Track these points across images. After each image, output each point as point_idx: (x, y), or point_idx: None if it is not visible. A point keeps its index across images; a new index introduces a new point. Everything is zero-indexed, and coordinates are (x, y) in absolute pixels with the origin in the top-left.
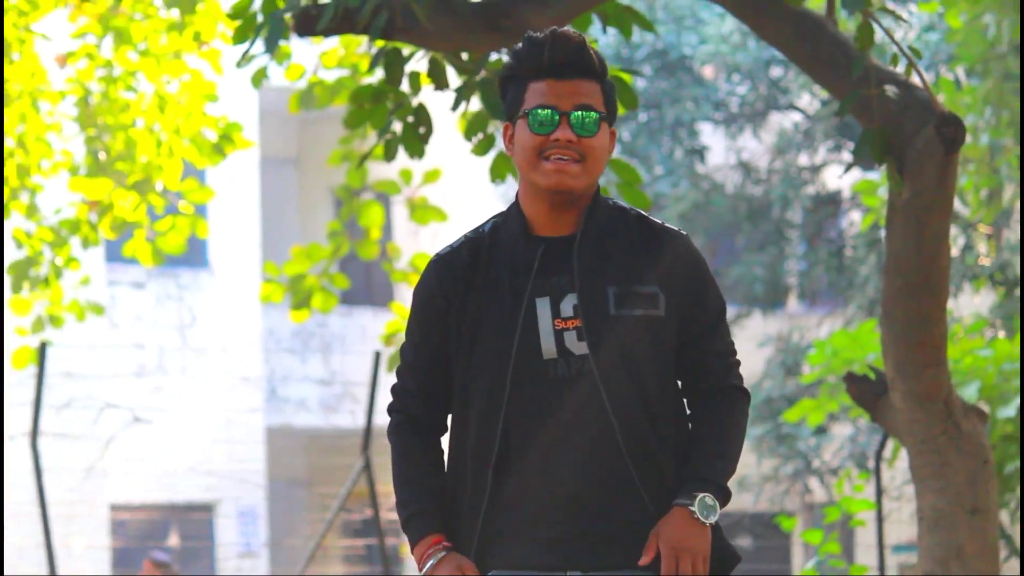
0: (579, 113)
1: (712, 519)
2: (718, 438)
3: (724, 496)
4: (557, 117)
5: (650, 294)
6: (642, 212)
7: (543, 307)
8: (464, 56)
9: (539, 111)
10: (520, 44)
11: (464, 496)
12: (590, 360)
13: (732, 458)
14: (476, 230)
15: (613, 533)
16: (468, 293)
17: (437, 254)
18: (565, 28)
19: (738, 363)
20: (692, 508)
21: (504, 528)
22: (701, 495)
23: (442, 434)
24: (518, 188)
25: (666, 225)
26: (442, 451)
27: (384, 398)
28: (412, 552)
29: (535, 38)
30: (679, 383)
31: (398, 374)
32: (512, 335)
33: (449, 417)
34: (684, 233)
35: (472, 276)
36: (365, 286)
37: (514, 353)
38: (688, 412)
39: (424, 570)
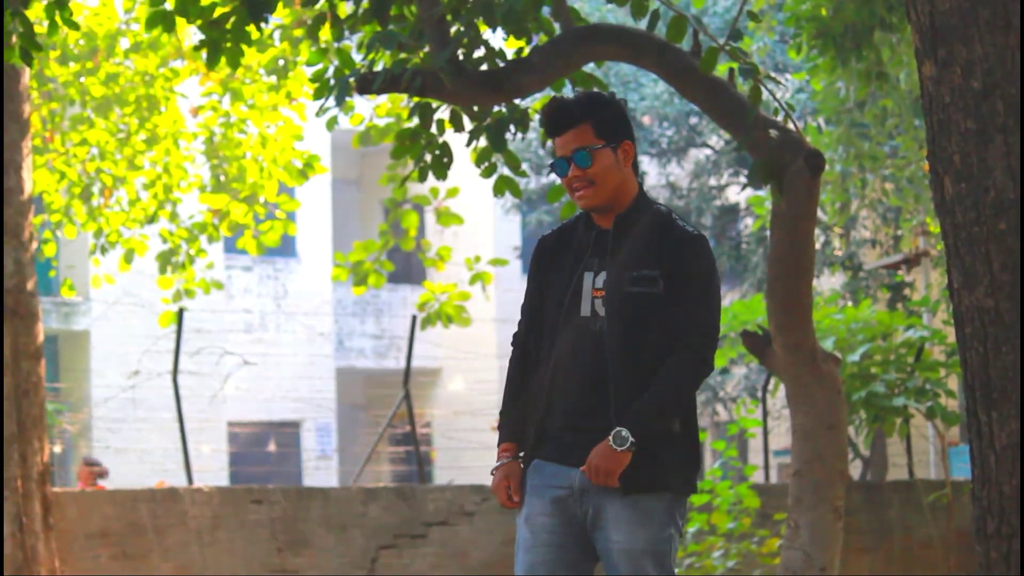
0: (576, 155)
1: (623, 447)
2: (657, 388)
3: (642, 433)
4: (565, 163)
5: (653, 277)
6: (674, 216)
7: (588, 279)
8: (475, 108)
9: (555, 163)
10: (540, 112)
11: (534, 402)
12: (605, 320)
13: (663, 403)
14: (567, 220)
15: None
16: (553, 262)
17: (542, 236)
18: (560, 95)
19: (709, 336)
20: (609, 438)
21: (548, 427)
22: (619, 428)
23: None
24: None
25: (686, 227)
26: (529, 369)
27: (417, 349)
28: (497, 449)
29: (542, 108)
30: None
31: (519, 320)
32: (565, 296)
33: None
34: (697, 234)
35: (556, 251)
36: (405, 269)
37: (565, 307)
38: None
39: (495, 466)
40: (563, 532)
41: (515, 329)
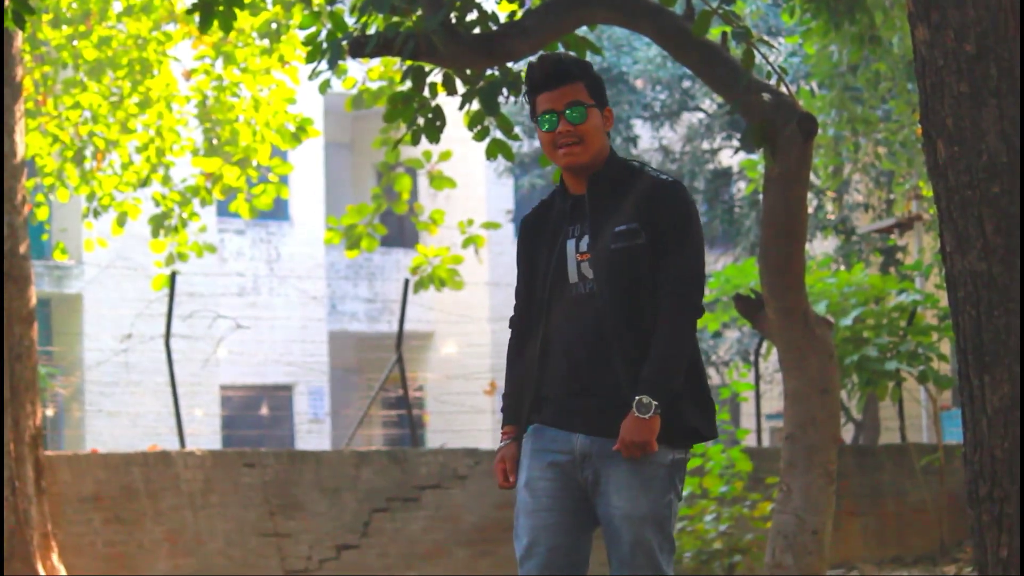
0: (570, 109)
1: (649, 414)
2: (661, 346)
3: (662, 393)
4: (556, 116)
5: (634, 230)
6: (646, 167)
7: (571, 245)
8: (468, 71)
9: (544, 116)
10: (526, 70)
11: (531, 370)
12: (593, 282)
13: (671, 360)
14: (546, 196)
15: (604, 408)
16: (536, 238)
17: (524, 216)
18: (553, 52)
19: (695, 281)
20: (633, 409)
21: (546, 394)
22: (639, 397)
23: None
24: None
25: (661, 177)
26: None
27: (410, 312)
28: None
29: (531, 63)
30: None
31: (514, 305)
32: (550, 265)
33: None
34: (671, 180)
35: (538, 227)
36: (398, 232)
37: (551, 278)
38: None
39: (498, 448)
40: (564, 496)
41: (511, 311)
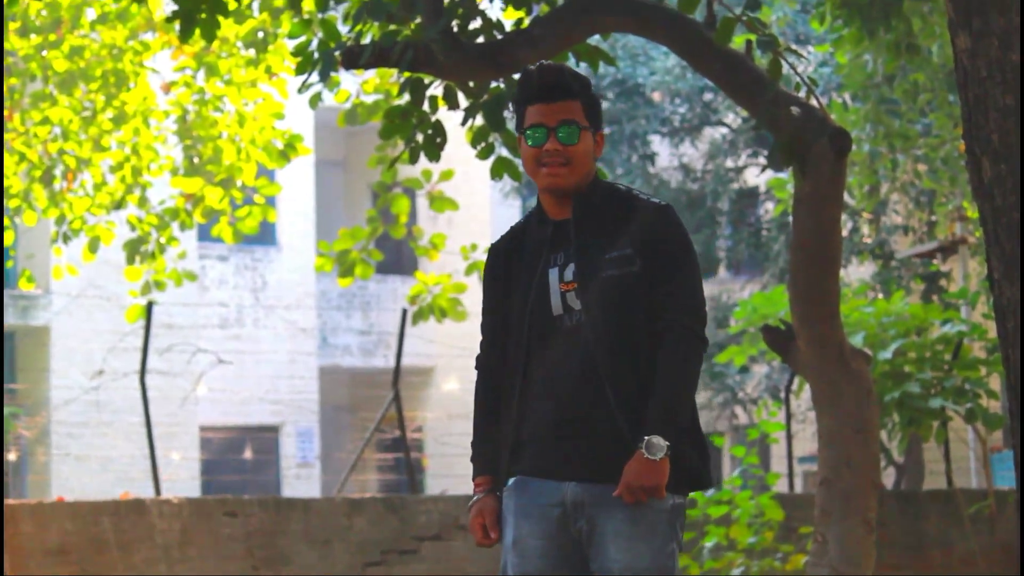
0: (563, 128)
1: (660, 455)
2: (667, 380)
3: (671, 432)
4: (545, 132)
5: (627, 256)
6: (633, 190)
7: (553, 274)
8: (471, 84)
9: (532, 129)
10: (520, 75)
11: (507, 417)
12: (582, 314)
13: (678, 397)
14: (518, 222)
15: (598, 451)
16: (509, 268)
17: (492, 244)
18: (549, 62)
19: (699, 311)
20: (643, 450)
21: (527, 440)
22: (650, 438)
23: None
24: None
25: (649, 199)
26: (501, 388)
27: (409, 346)
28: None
29: (528, 70)
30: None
31: (480, 341)
32: (528, 297)
33: None
34: (664, 204)
35: (510, 255)
36: (395, 259)
37: (529, 310)
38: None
39: (470, 503)
40: (556, 556)
41: (480, 343)
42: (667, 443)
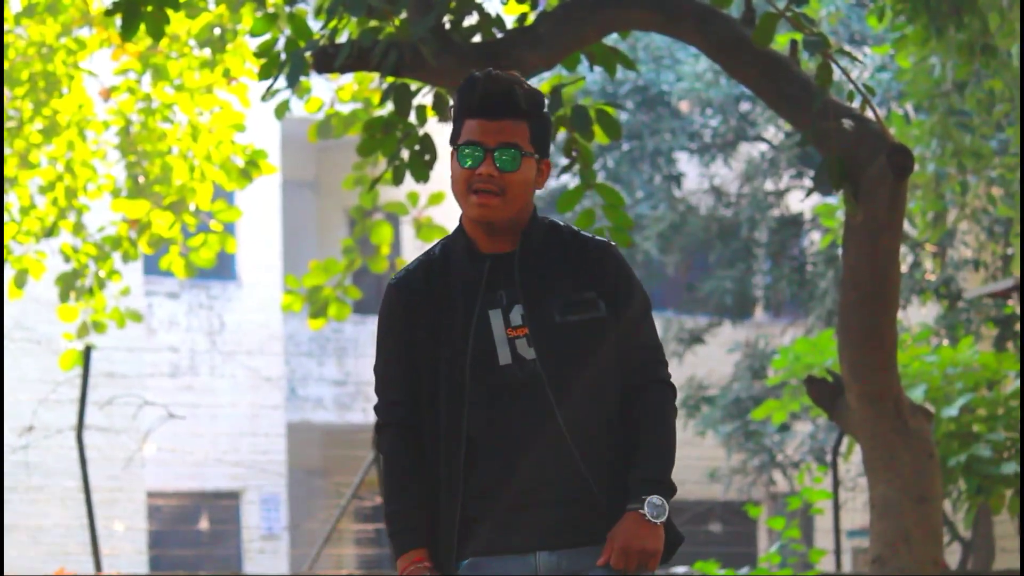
0: (501, 151)
1: (662, 518)
2: (656, 437)
3: (670, 492)
4: (482, 153)
5: (590, 299)
6: (574, 228)
7: (496, 318)
8: None
9: (467, 147)
10: (464, 80)
11: (444, 490)
12: (538, 364)
13: (670, 454)
14: (428, 252)
15: (570, 515)
16: (426, 310)
17: (393, 278)
18: (499, 71)
19: (663, 360)
20: (642, 511)
21: (478, 515)
22: (649, 497)
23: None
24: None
25: (596, 238)
26: (423, 452)
27: None
28: (395, 563)
29: (473, 77)
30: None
31: (379, 392)
32: (466, 345)
33: None
34: (611, 243)
35: (428, 294)
36: (376, 296)
37: (469, 362)
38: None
39: None
40: None
41: (382, 402)
42: (666, 505)
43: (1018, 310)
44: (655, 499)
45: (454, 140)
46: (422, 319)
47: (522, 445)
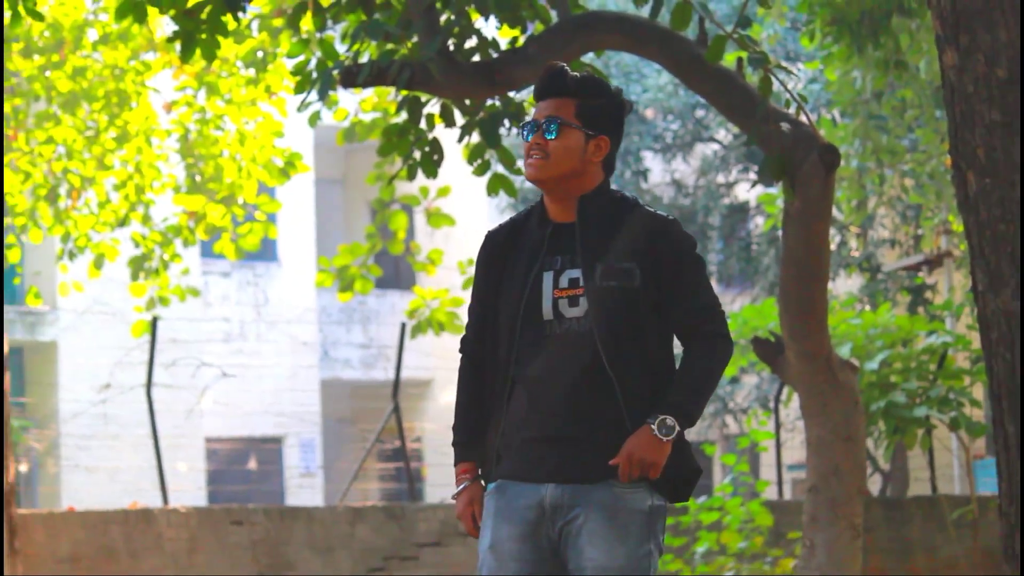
0: (547, 122)
1: (670, 437)
2: (690, 375)
3: (686, 419)
4: (534, 126)
5: (627, 269)
6: (640, 202)
7: (548, 279)
8: (467, 102)
9: (526, 125)
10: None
11: (495, 415)
12: (583, 321)
13: (700, 390)
14: (519, 213)
15: (576, 453)
16: (500, 262)
17: (488, 231)
18: (556, 62)
19: (720, 313)
20: (653, 427)
21: (510, 443)
22: (663, 416)
23: None
24: None
25: (656, 213)
26: (485, 379)
27: (407, 358)
28: (455, 469)
29: (541, 70)
30: (662, 334)
31: (466, 324)
32: (521, 299)
33: None
34: (671, 218)
35: (505, 249)
36: (394, 274)
37: (521, 313)
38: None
39: (456, 491)
40: (533, 559)
41: (464, 334)
42: (678, 428)
43: (928, 280)
44: (668, 419)
45: None
46: (495, 270)
47: (552, 390)
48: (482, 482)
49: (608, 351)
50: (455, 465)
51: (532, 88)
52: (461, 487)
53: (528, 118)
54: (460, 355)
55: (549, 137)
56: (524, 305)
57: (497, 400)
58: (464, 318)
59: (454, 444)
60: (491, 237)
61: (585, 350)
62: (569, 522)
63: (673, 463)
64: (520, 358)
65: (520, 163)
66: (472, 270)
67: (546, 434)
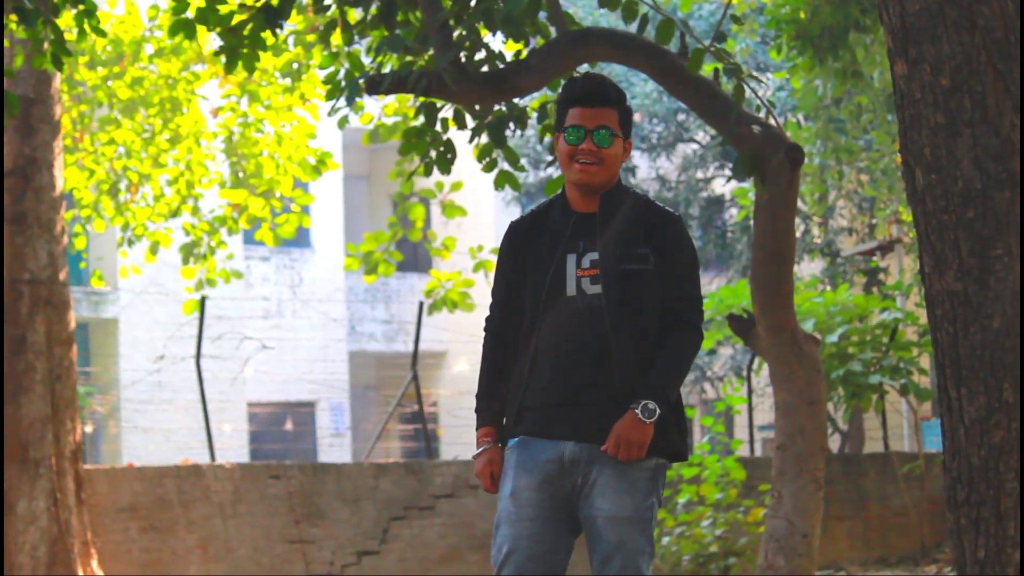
0: (599, 131)
1: (652, 419)
2: (668, 362)
3: (664, 401)
4: (583, 133)
5: (643, 254)
6: (650, 198)
7: (571, 260)
8: (477, 107)
9: (572, 129)
10: (566, 81)
11: (514, 384)
12: (602, 297)
13: (674, 375)
14: (539, 205)
15: (595, 417)
16: (525, 247)
17: (512, 221)
18: (594, 72)
19: (700, 309)
20: (637, 411)
21: (532, 404)
22: (645, 401)
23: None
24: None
25: (664, 208)
26: (508, 352)
27: (425, 333)
28: (476, 433)
29: (574, 77)
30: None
31: (490, 304)
32: (546, 276)
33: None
34: (674, 214)
35: (529, 235)
36: (413, 258)
37: (546, 290)
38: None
39: (476, 452)
40: (549, 507)
41: (490, 311)
42: (658, 410)
43: (881, 264)
44: (649, 404)
45: (559, 126)
46: (521, 253)
47: (572, 357)
48: (499, 444)
49: (614, 329)
50: (477, 428)
51: (534, 95)
52: (481, 448)
53: (573, 123)
54: (485, 332)
55: (604, 146)
56: (549, 282)
57: (521, 367)
58: (475, 298)
59: (477, 410)
60: (516, 226)
61: (603, 324)
62: (584, 475)
63: (675, 431)
64: (544, 329)
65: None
66: (481, 255)
67: (567, 398)
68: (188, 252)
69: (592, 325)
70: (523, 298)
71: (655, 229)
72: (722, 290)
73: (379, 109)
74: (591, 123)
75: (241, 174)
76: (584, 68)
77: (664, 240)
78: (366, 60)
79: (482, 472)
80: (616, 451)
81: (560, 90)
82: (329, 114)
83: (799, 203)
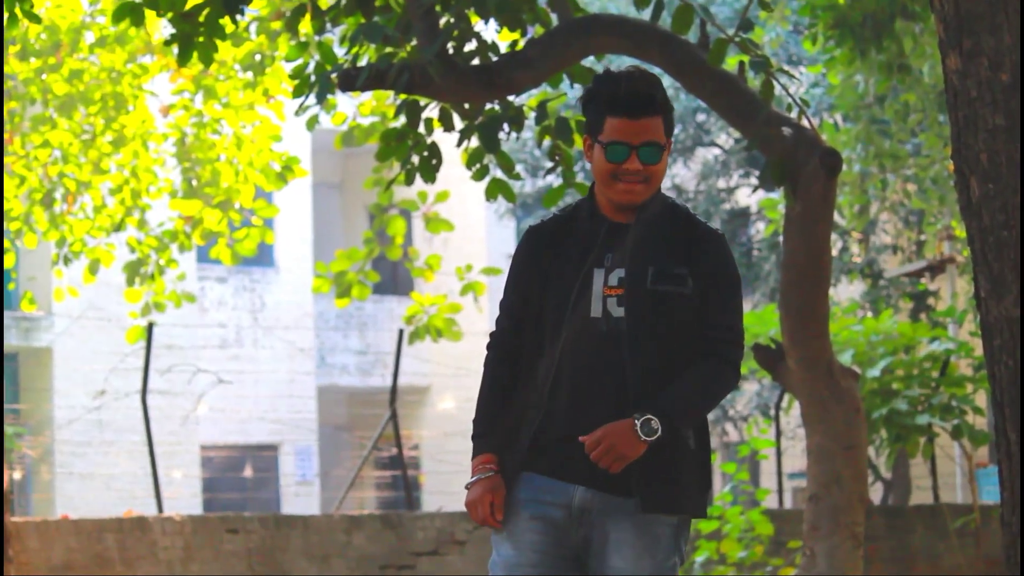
0: (644, 147)
1: (649, 438)
2: (689, 387)
3: (669, 427)
4: (627, 150)
5: (681, 275)
6: (689, 210)
7: (598, 276)
8: (466, 106)
9: (614, 146)
10: (600, 76)
11: (531, 408)
12: (624, 321)
13: (694, 404)
14: (563, 209)
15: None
16: (547, 257)
17: (531, 225)
18: (641, 69)
19: (740, 342)
20: (637, 422)
21: (547, 438)
22: (649, 417)
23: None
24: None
25: (707, 225)
26: (517, 374)
27: (405, 365)
28: (472, 461)
29: (614, 75)
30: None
31: (497, 318)
32: (570, 295)
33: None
34: (718, 231)
35: (552, 244)
36: (392, 279)
37: (570, 309)
38: None
39: (471, 480)
40: (552, 553)
41: (497, 326)
42: (660, 431)
43: (931, 287)
44: (653, 421)
45: (594, 132)
46: (542, 264)
47: (589, 388)
48: (501, 477)
49: (634, 364)
50: (474, 456)
51: (532, 92)
52: (478, 476)
53: (615, 139)
54: (488, 348)
55: (651, 163)
56: (574, 300)
57: (537, 393)
58: (462, 325)
59: (475, 436)
60: (536, 231)
61: (613, 353)
62: (595, 529)
63: (703, 480)
64: (565, 353)
65: (519, 168)
66: (470, 276)
67: (578, 434)
68: (133, 272)
69: (615, 352)
70: (538, 314)
71: (696, 247)
72: (747, 316)
73: (354, 108)
74: (636, 139)
75: (195, 182)
76: (589, 61)
77: (706, 261)
78: (339, 51)
79: (479, 501)
80: (592, 449)
81: (594, 85)
82: (296, 113)
83: (836, 217)
